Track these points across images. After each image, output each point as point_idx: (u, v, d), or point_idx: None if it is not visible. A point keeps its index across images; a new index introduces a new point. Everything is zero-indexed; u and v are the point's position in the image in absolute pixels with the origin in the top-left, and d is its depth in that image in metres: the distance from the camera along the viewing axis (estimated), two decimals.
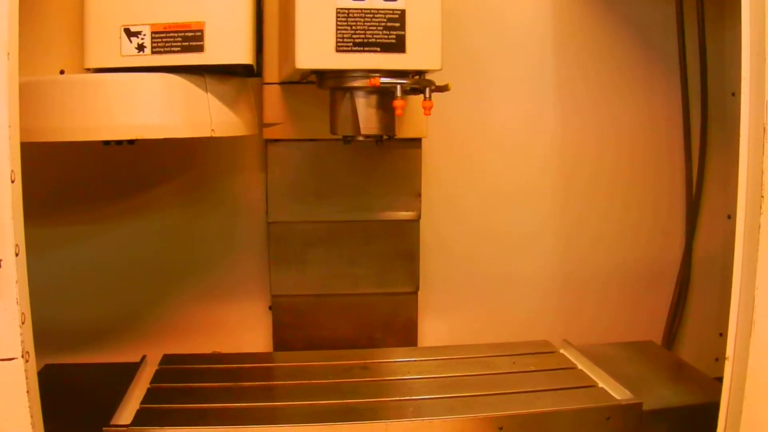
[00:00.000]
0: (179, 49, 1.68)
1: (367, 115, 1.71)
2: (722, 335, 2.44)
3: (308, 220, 2.22)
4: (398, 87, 1.64)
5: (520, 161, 2.42)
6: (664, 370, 2.05)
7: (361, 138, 1.74)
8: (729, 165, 2.38)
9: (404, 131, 2.10)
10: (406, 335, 2.32)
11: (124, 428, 1.60)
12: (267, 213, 2.22)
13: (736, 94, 2.32)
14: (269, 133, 2.14)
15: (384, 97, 1.69)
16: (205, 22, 1.67)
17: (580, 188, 2.44)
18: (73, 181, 2.19)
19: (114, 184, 2.22)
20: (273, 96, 2.11)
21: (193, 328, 2.31)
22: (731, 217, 2.45)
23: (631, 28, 2.42)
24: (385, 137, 1.77)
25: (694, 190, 2.45)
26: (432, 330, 2.39)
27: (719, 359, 2.39)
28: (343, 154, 2.16)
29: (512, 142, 2.41)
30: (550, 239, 2.46)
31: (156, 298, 2.29)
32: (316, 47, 1.61)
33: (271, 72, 2.08)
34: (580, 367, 1.96)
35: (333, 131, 1.77)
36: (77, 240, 2.22)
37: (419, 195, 2.23)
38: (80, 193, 2.21)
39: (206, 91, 1.73)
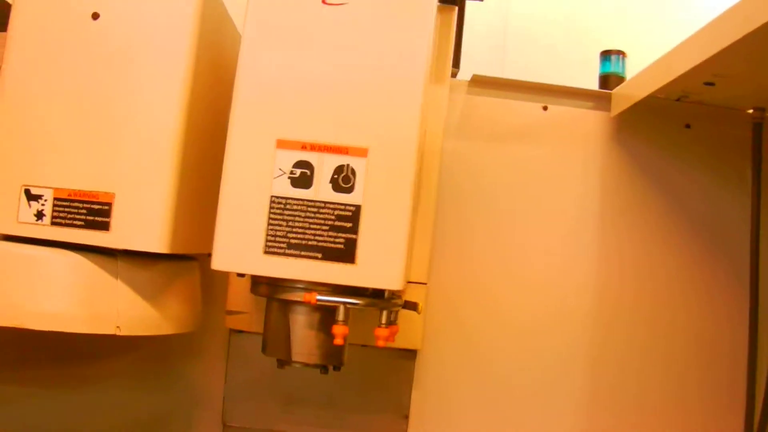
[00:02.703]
0: (82, 223, 1.32)
1: (303, 337, 1.30)
2: None
3: (270, 429, 1.81)
4: (341, 308, 1.20)
5: (541, 388, 1.97)
6: None
7: (296, 365, 1.29)
8: None
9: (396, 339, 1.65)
10: None
11: None
12: (223, 415, 1.79)
13: None
14: (232, 323, 1.78)
15: (330, 317, 1.26)
16: (115, 195, 1.28)
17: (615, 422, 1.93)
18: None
19: (57, 349, 1.87)
20: (239, 280, 1.69)
21: None
22: None
23: (702, 223, 1.98)
24: (331, 367, 1.32)
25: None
26: None
27: None
28: None
29: (532, 360, 1.97)
30: None
31: None
32: (239, 245, 1.23)
33: None
34: None
35: (263, 349, 1.34)
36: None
37: (407, 416, 1.82)
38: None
39: (116, 277, 1.32)
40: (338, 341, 1.24)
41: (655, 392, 1.97)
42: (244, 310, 1.74)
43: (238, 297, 1.74)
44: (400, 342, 1.72)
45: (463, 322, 1.88)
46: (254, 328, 1.76)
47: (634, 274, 1.96)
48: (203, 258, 1.41)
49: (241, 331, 1.80)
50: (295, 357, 1.31)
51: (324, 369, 1.36)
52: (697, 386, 1.96)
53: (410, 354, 1.82)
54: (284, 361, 1.34)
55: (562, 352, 1.93)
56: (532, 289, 1.94)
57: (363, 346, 1.55)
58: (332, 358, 1.33)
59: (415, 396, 1.84)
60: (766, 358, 1.91)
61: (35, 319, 1.33)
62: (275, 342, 1.34)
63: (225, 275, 1.74)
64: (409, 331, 1.73)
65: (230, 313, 1.75)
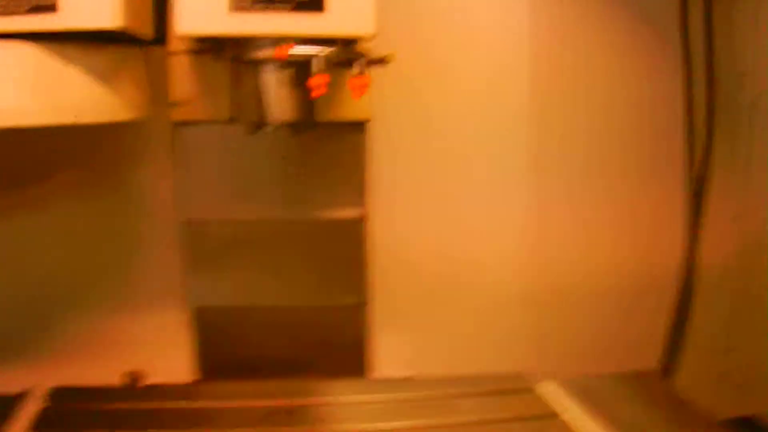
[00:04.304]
0: (27, 8, 1.24)
1: (278, 96, 1.25)
2: (728, 353, 2.15)
3: (229, 218, 1.81)
4: (317, 58, 1.18)
5: (490, 149, 2.00)
6: (664, 414, 1.62)
7: (270, 128, 1.26)
8: (736, 157, 2.03)
9: (343, 112, 1.70)
10: (352, 355, 1.93)
11: None
12: (178, 210, 1.79)
13: (747, 75, 1.97)
14: (178, 114, 1.71)
15: (303, 72, 1.23)
16: None
17: (562, 182, 2.02)
18: None
19: None
20: (181, 68, 1.67)
21: (99, 348, 1.91)
22: (736, 219, 2.08)
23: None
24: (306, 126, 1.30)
25: (695, 187, 2.04)
26: (384, 350, 1.98)
27: (722, 380, 2.02)
28: (270, 138, 1.70)
29: (480, 121, 1.98)
30: (525, 242, 2.04)
31: (47, 314, 1.88)
32: (203, 4, 1.15)
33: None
34: (563, 415, 1.53)
35: (235, 116, 1.31)
36: None
37: (364, 189, 1.81)
38: None
39: (68, 64, 1.29)
40: (315, 93, 1.21)
41: (599, 148, 2.04)
42: (188, 99, 1.67)
43: (182, 87, 1.68)
44: (349, 113, 1.72)
45: (411, 90, 1.88)
46: (201, 117, 1.70)
47: (572, 29, 1.96)
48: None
49: (186, 124, 1.72)
50: (273, 118, 1.28)
51: (297, 129, 1.33)
52: (638, 141, 2.04)
53: (359, 127, 1.79)
54: (258, 124, 1.31)
55: (509, 111, 1.96)
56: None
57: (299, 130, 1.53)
58: (309, 115, 1.31)
59: (370, 169, 1.82)
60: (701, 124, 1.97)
61: None
62: (248, 106, 1.30)
63: (163, 68, 1.66)
64: (356, 101, 1.69)
65: (174, 104, 1.68)
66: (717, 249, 2.08)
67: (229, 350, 1.87)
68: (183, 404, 1.61)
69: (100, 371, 1.79)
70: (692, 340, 2.10)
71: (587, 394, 1.62)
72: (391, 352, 1.99)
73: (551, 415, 1.56)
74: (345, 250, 1.85)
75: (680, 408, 1.67)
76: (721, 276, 2.09)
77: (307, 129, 1.38)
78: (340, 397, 1.63)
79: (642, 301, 2.09)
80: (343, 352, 1.91)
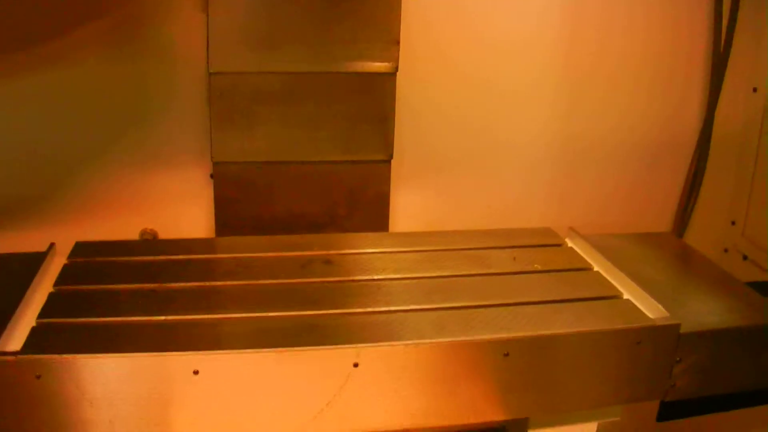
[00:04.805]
0: None
1: None
2: (734, 224, 2.19)
3: (259, 70, 1.78)
4: None
5: (519, 7, 1.97)
6: (690, 273, 1.68)
7: None
8: (763, 26, 2.03)
9: None
10: (376, 212, 1.94)
11: (12, 356, 1.17)
12: (208, 62, 1.73)
13: None
14: None
15: None
16: None
17: (587, 43, 2.02)
18: None
19: (13, 33, 1.73)
20: None
21: (119, 204, 1.90)
22: (757, 90, 2.10)
23: None
24: None
25: (720, 52, 2.06)
26: (406, 206, 2.03)
27: (728, 250, 2.08)
28: None
29: None
30: (549, 102, 2.06)
31: (71, 169, 1.86)
32: None
33: None
34: (596, 267, 1.57)
35: None
36: None
37: (398, 42, 1.79)
38: None
39: None
40: None
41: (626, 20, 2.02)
42: None
43: None
44: None
45: None
46: None
47: None
48: None
49: None
50: None
51: None
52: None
53: None
54: None
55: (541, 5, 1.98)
56: None
57: None
58: None
59: (404, 21, 1.80)
60: None
61: None
62: None
63: None
64: None
65: None
66: (733, 118, 2.13)
67: (251, 208, 1.88)
68: (210, 256, 1.62)
69: (121, 228, 1.84)
70: (701, 205, 2.19)
71: (613, 250, 1.65)
72: (411, 209, 2.02)
73: (585, 268, 1.59)
74: (373, 105, 1.84)
75: (706, 271, 1.72)
76: (731, 145, 2.15)
77: None
78: (375, 248, 1.65)
79: (659, 164, 2.16)
80: (367, 208, 1.92)
